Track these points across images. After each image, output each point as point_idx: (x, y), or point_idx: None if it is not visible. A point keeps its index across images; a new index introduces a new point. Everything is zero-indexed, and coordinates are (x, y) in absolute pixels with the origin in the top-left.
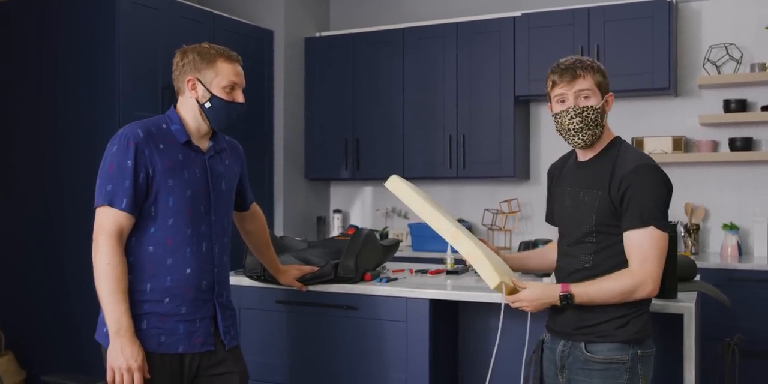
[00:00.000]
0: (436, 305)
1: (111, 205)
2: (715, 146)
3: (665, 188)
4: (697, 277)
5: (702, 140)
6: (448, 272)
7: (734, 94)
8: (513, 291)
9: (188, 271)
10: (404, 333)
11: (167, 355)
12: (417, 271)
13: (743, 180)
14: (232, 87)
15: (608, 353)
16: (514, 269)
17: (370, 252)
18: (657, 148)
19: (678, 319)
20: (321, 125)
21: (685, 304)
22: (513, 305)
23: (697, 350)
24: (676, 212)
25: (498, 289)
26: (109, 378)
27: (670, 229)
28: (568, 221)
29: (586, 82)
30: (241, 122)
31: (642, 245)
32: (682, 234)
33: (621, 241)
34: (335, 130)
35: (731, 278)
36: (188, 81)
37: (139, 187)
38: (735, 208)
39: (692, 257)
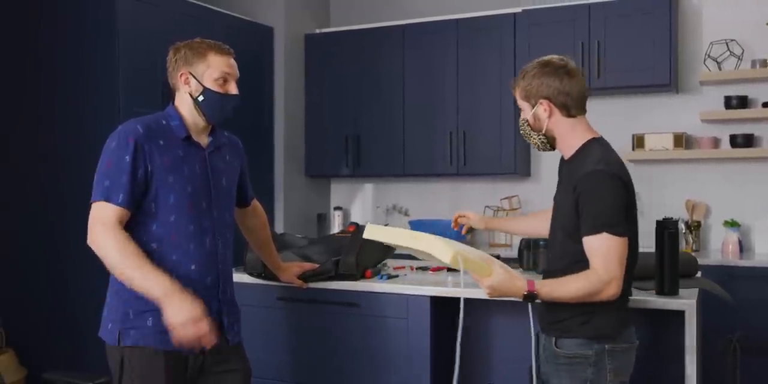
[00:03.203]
0: (436, 302)
1: (107, 200)
2: (716, 143)
3: (615, 193)
4: (699, 274)
5: (703, 137)
6: (449, 269)
7: (735, 91)
8: (481, 273)
9: (193, 267)
10: (405, 330)
11: (172, 352)
12: (418, 268)
13: (744, 177)
14: (224, 79)
15: (573, 348)
16: (504, 230)
17: (370, 249)
18: (658, 144)
19: (679, 315)
20: (321, 122)
21: (687, 300)
22: (478, 283)
23: (699, 347)
24: (676, 209)
25: (454, 263)
26: (176, 339)
27: (628, 232)
28: (552, 224)
29: (517, 98)
30: (242, 119)
31: (600, 250)
32: (683, 231)
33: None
34: (335, 127)
35: (732, 275)
36: (181, 75)
37: (137, 183)
38: (736, 205)
39: (693, 254)
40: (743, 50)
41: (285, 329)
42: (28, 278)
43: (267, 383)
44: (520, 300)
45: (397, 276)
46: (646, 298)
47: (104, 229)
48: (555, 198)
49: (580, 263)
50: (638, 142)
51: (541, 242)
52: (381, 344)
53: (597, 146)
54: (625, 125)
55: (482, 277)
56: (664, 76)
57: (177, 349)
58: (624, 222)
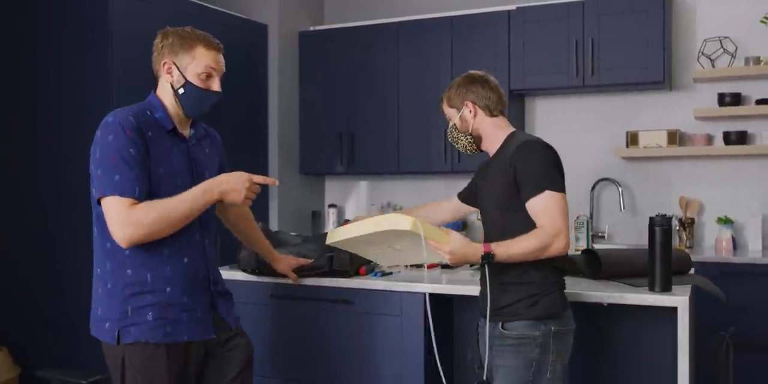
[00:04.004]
0: (431, 299)
1: (122, 195)
2: (709, 140)
3: (549, 156)
4: (692, 271)
5: (696, 134)
6: (444, 266)
7: (729, 88)
8: (440, 239)
9: (185, 260)
10: (399, 327)
11: (174, 345)
12: (412, 265)
13: (738, 174)
14: (208, 74)
15: (521, 330)
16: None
17: None
18: (652, 141)
19: (672, 312)
20: (315, 119)
21: (679, 297)
22: (436, 252)
23: (691, 344)
24: (670, 206)
25: (415, 228)
26: (241, 199)
27: (565, 190)
28: (485, 209)
29: (444, 109)
30: (236, 116)
31: (545, 207)
32: (677, 228)
33: (528, 219)
34: (330, 125)
35: (726, 272)
36: (164, 64)
37: (145, 174)
38: (729, 202)
39: (687, 251)
40: (737, 47)
41: (278, 326)
42: (22, 276)
43: (260, 380)
44: (479, 261)
45: (390, 273)
46: (638, 294)
47: (124, 218)
48: (483, 191)
49: (512, 230)
50: (632, 139)
51: None
52: (375, 341)
53: (520, 133)
54: (618, 122)
55: (442, 243)
56: (658, 73)
57: (179, 341)
58: (561, 179)
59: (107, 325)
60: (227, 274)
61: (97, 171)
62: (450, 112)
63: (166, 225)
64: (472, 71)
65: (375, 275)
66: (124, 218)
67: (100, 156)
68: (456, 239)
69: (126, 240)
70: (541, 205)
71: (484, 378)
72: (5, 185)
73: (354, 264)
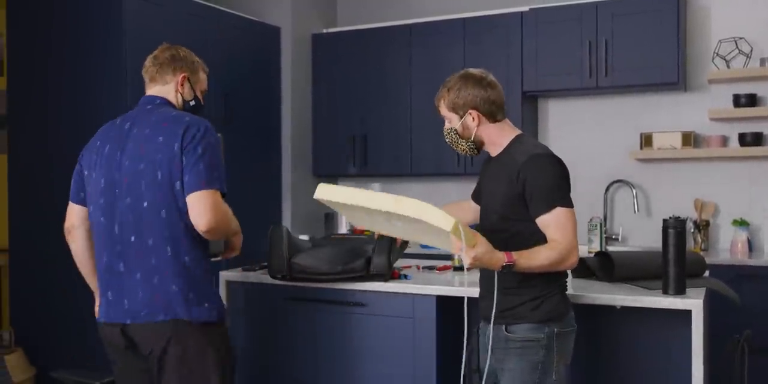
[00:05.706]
0: (443, 301)
1: (221, 191)
2: (724, 141)
3: (558, 170)
4: (707, 274)
5: (711, 135)
6: (455, 269)
7: (744, 89)
8: (469, 242)
9: None
10: (411, 329)
11: None
12: (424, 268)
13: (753, 175)
14: (202, 92)
15: (525, 333)
16: None
17: (395, 249)
18: (666, 143)
19: (686, 315)
20: (328, 122)
21: (694, 300)
22: (460, 253)
23: (706, 347)
24: (685, 208)
25: (455, 231)
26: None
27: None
28: (485, 211)
29: (442, 110)
30: (249, 119)
31: (558, 223)
32: (692, 230)
33: (529, 228)
34: (343, 127)
35: (741, 274)
36: (183, 77)
37: None
38: (745, 204)
39: (702, 253)
40: (752, 48)
41: (291, 329)
42: (37, 278)
43: (273, 381)
44: (497, 269)
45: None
46: (652, 297)
47: (225, 210)
48: (485, 189)
49: (513, 238)
50: (646, 140)
51: None
52: (387, 344)
53: (525, 138)
54: (633, 124)
55: (468, 246)
56: (672, 74)
57: None
58: (569, 194)
59: (207, 305)
60: (239, 275)
61: (197, 165)
62: (449, 115)
63: (226, 231)
64: (471, 70)
65: (406, 278)
66: (225, 210)
67: (203, 151)
68: (482, 244)
69: (211, 228)
70: (553, 221)
71: (483, 380)
72: (19, 186)
73: (390, 268)
